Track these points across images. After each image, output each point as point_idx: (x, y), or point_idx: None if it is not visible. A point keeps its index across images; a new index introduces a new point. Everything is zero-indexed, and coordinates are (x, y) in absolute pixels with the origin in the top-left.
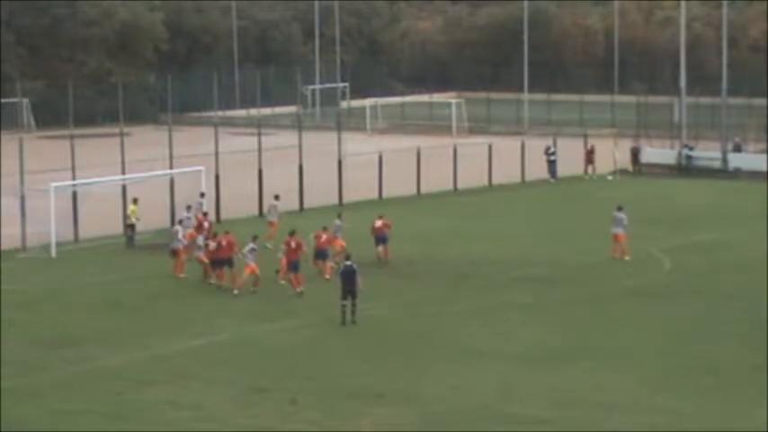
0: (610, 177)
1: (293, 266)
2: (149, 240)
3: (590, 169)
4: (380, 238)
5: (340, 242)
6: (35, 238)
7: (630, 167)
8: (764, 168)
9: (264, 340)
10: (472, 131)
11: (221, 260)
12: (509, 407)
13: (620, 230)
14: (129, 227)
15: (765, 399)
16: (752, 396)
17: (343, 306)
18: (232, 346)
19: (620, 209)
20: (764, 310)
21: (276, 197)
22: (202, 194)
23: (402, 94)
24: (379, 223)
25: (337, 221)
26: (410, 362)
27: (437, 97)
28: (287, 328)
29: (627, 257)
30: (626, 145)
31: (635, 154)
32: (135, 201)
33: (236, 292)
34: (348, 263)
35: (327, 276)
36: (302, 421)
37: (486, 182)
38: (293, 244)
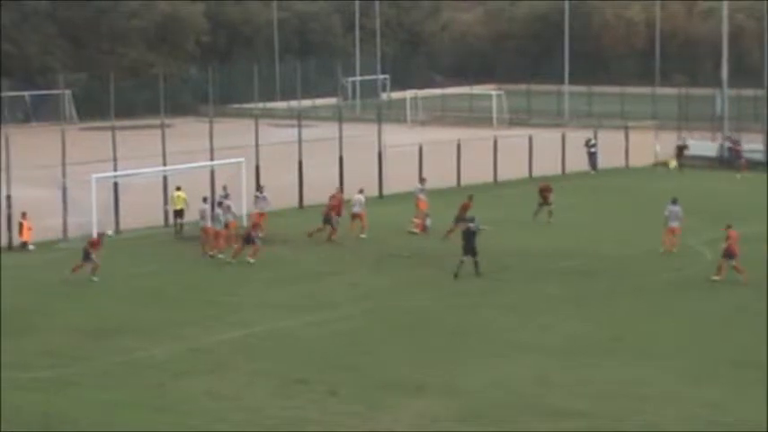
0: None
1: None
2: (191, 231)
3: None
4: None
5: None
6: (77, 228)
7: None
8: None
9: (304, 332)
10: (513, 123)
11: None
12: (548, 400)
13: (676, 224)
14: (178, 213)
15: None
16: None
17: (461, 262)
18: (272, 337)
19: (674, 202)
20: None
21: (360, 191)
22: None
23: (442, 85)
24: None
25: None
26: (450, 354)
27: (477, 89)
28: (326, 320)
29: (674, 250)
30: (665, 138)
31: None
32: (178, 188)
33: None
34: (471, 224)
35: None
36: (342, 413)
37: (526, 174)
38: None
